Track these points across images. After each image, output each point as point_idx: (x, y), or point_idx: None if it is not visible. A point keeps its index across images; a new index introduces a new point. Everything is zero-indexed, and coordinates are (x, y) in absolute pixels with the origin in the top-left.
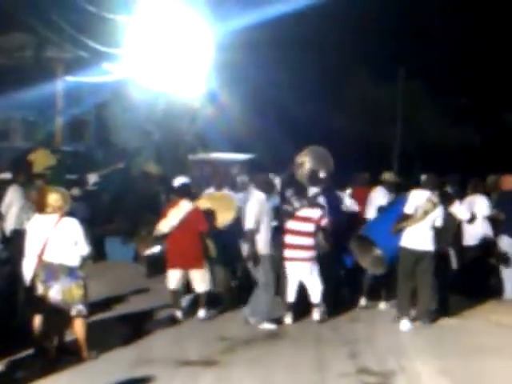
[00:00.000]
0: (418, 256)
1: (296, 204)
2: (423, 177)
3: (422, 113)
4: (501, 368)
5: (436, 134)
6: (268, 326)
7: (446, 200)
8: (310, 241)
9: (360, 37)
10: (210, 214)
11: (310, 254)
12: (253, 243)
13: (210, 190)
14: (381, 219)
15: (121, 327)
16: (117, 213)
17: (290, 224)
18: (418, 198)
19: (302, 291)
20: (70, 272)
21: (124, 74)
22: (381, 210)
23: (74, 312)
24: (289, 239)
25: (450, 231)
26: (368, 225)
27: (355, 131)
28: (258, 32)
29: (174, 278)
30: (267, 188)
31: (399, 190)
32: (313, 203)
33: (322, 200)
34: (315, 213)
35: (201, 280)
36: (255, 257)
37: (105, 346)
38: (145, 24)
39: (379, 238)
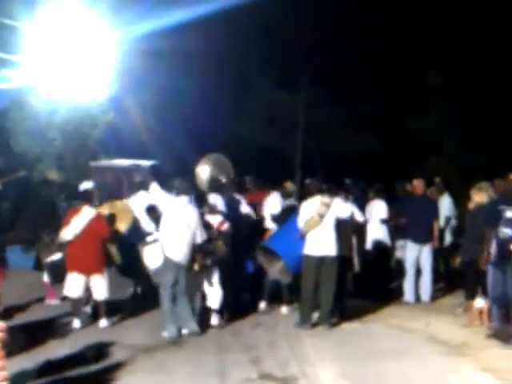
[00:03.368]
0: (321, 262)
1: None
2: (307, 181)
3: (323, 120)
4: (400, 371)
5: (338, 141)
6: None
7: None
8: (210, 246)
9: (263, 45)
10: (111, 221)
11: (211, 259)
12: None
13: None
14: (284, 229)
15: (20, 336)
16: (18, 221)
17: None
18: (309, 207)
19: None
20: None
21: (24, 80)
22: (275, 218)
23: None
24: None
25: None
26: (272, 236)
27: (258, 138)
28: (161, 39)
29: (72, 283)
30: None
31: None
32: (213, 210)
33: (222, 206)
34: (215, 219)
35: (100, 287)
36: None
37: None
38: (45, 30)
39: (282, 249)
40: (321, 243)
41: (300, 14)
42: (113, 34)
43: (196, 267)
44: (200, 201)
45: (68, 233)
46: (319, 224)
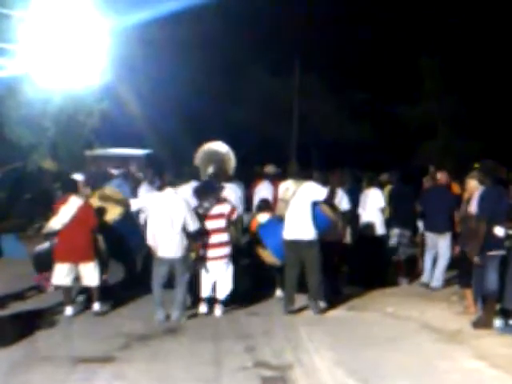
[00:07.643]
0: (298, 246)
1: (206, 204)
2: (289, 166)
3: (318, 107)
4: (396, 358)
5: (333, 128)
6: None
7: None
8: (226, 236)
9: (257, 31)
10: (100, 210)
11: (228, 250)
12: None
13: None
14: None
15: (15, 325)
16: (13, 210)
17: (206, 224)
18: (282, 189)
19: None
20: None
21: (19, 69)
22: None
23: None
24: (207, 239)
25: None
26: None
27: (253, 125)
28: (155, 28)
29: (60, 272)
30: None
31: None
32: (219, 199)
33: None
34: (226, 208)
35: (91, 274)
36: None
37: None
38: (40, 19)
39: (268, 238)
40: (293, 227)
41: (293, 1)
42: (107, 22)
43: (192, 256)
44: (201, 193)
45: (56, 223)
46: (285, 209)
